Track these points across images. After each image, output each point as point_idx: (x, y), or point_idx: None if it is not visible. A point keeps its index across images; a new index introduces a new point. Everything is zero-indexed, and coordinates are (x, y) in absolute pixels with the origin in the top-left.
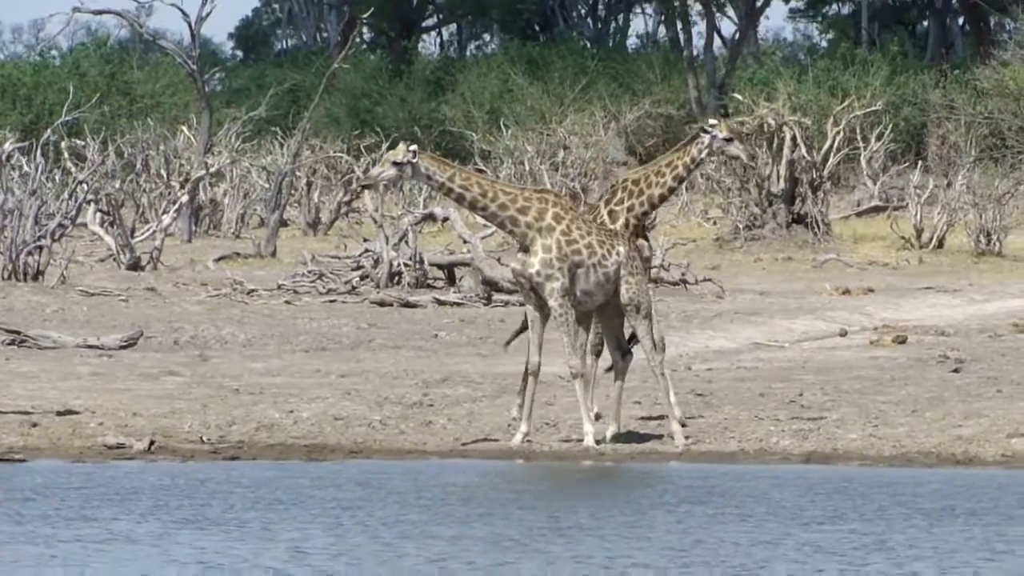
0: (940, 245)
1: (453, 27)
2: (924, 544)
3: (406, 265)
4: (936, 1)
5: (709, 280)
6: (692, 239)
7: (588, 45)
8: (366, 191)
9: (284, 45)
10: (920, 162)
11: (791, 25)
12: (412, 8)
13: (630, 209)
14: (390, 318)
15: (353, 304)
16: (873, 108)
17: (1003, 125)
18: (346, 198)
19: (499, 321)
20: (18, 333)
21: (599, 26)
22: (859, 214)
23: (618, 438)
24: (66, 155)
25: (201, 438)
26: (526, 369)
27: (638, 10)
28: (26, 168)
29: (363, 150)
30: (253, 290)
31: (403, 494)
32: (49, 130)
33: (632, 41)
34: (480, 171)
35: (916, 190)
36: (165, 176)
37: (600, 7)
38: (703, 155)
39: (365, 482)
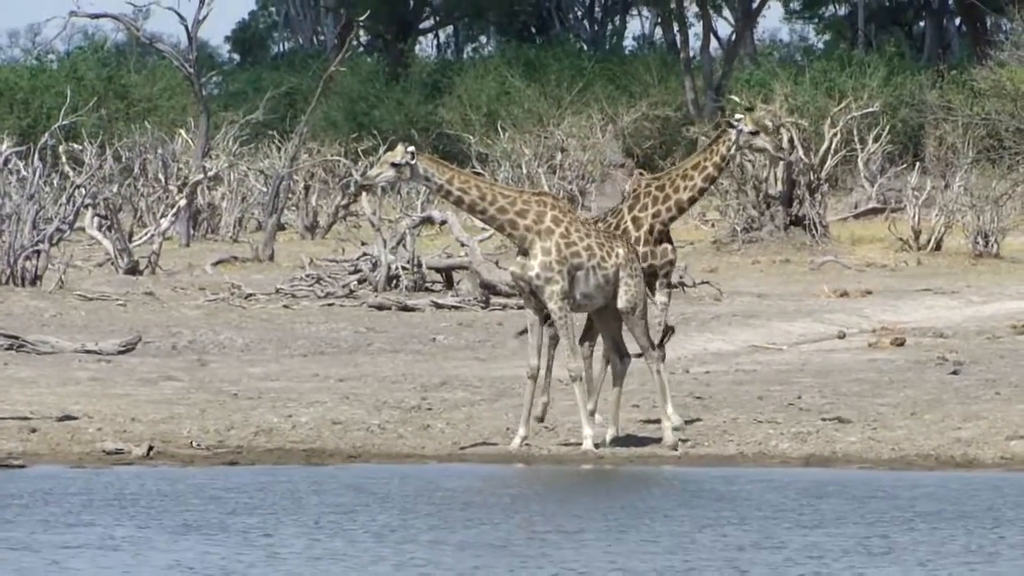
0: (938, 247)
1: (450, 29)
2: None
3: (404, 268)
4: (933, 2)
5: (707, 282)
6: (690, 241)
7: (585, 47)
8: (363, 194)
9: (281, 48)
10: (917, 163)
11: (787, 26)
12: (408, 11)
13: (656, 215)
14: (388, 322)
15: (351, 308)
16: (870, 109)
17: (1000, 126)
18: (344, 202)
19: (497, 324)
20: (16, 338)
21: (596, 28)
22: (857, 216)
23: (617, 441)
24: (64, 159)
25: (192, 443)
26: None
27: (634, 12)
28: (24, 172)
29: (360, 153)
30: (251, 294)
31: (406, 498)
32: (47, 134)
33: (629, 43)
34: (478, 174)
35: (914, 192)
36: (163, 180)
37: (597, 9)
38: (731, 152)
39: (359, 486)
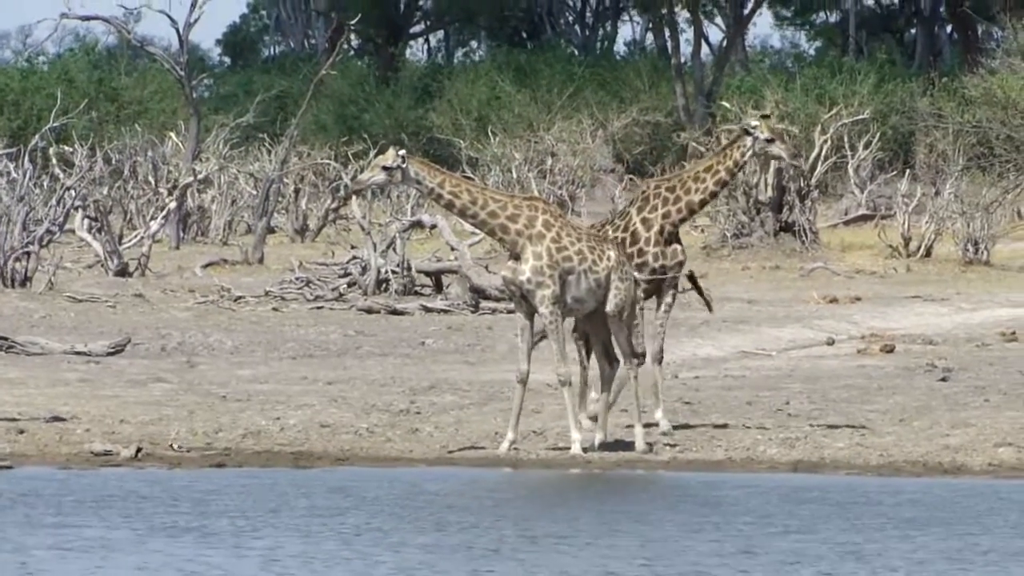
0: (928, 254)
1: (441, 34)
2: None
3: (393, 272)
4: (924, 9)
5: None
6: None
7: (576, 52)
8: (354, 197)
9: (272, 52)
10: (908, 170)
11: (778, 33)
12: (399, 15)
13: (666, 216)
14: (377, 325)
15: (340, 311)
16: (861, 116)
17: (991, 134)
18: (334, 205)
19: (487, 328)
20: (5, 339)
21: (587, 33)
22: (847, 222)
23: (606, 446)
24: (54, 161)
25: (172, 445)
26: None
27: (626, 18)
28: (14, 174)
29: (351, 157)
30: (240, 297)
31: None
32: (37, 136)
33: (620, 48)
34: (468, 178)
35: (904, 199)
36: (153, 182)
37: (588, 14)
38: (746, 157)
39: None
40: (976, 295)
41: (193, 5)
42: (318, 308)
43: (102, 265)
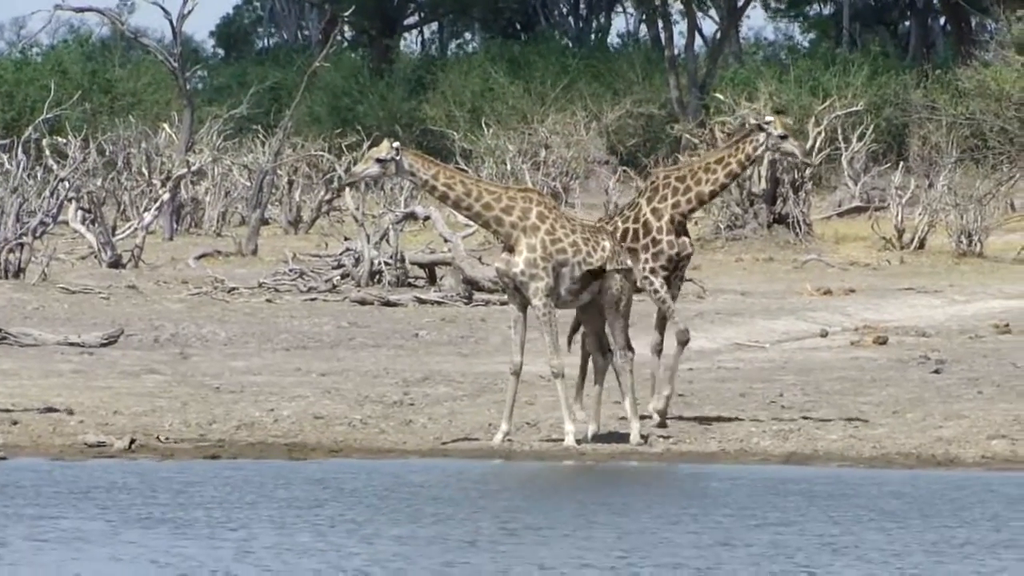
0: (921, 246)
1: (434, 26)
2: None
3: (387, 264)
4: (917, 1)
5: (690, 280)
6: None
7: (569, 44)
8: (347, 189)
9: (266, 43)
10: (901, 163)
11: (772, 25)
12: (393, 7)
13: (675, 206)
14: (371, 317)
15: (334, 303)
16: (854, 108)
17: (984, 126)
18: (327, 196)
19: (480, 320)
20: None
21: (580, 25)
22: (840, 214)
23: (599, 438)
24: (47, 152)
25: (159, 437)
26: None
27: (619, 9)
28: (7, 166)
29: (344, 149)
30: (234, 288)
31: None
32: (31, 127)
33: (613, 40)
34: (462, 170)
35: (897, 191)
36: (146, 174)
37: (581, 6)
38: (758, 152)
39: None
40: (969, 287)
41: None
42: (312, 300)
43: (95, 256)
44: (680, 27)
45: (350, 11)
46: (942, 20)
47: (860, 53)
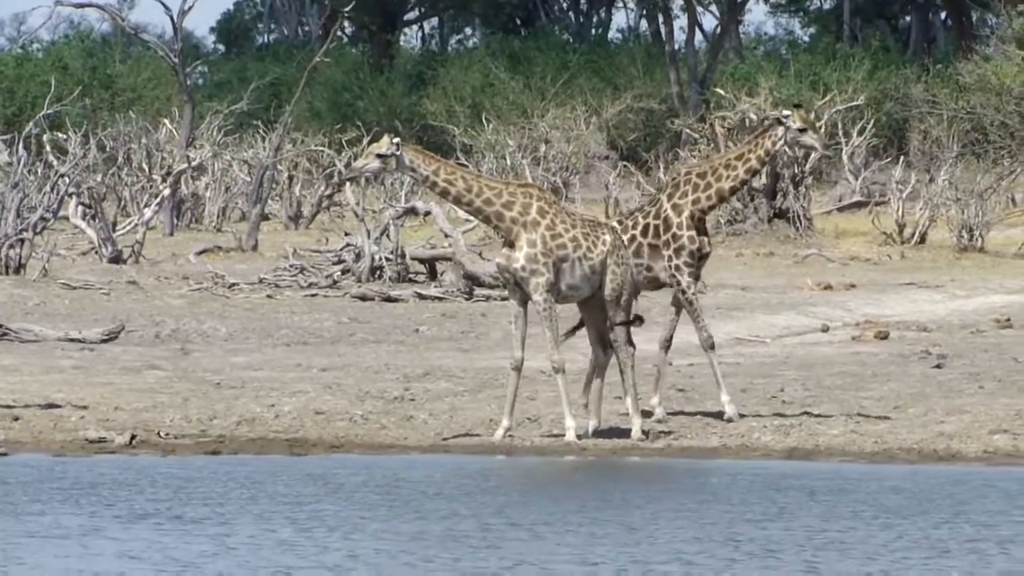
0: (922, 240)
1: (435, 21)
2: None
3: (387, 259)
4: None
5: None
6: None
7: (570, 39)
8: (347, 185)
9: (266, 39)
10: (902, 157)
11: (773, 19)
12: (394, 2)
13: (695, 202)
14: (371, 312)
15: (334, 298)
16: (855, 103)
17: (985, 120)
18: (327, 192)
19: (481, 315)
20: (0, 326)
21: (581, 20)
22: (841, 209)
23: (600, 433)
24: (48, 148)
25: (159, 433)
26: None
27: (620, 4)
28: (9, 160)
29: (344, 144)
30: (234, 284)
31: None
32: (31, 123)
33: (614, 35)
34: (462, 165)
35: (898, 185)
36: (147, 169)
37: (582, 1)
38: (777, 147)
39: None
40: (970, 282)
41: None
42: (312, 295)
43: (96, 252)
44: (680, 22)
45: (350, 7)
46: (943, 15)
47: (861, 48)
